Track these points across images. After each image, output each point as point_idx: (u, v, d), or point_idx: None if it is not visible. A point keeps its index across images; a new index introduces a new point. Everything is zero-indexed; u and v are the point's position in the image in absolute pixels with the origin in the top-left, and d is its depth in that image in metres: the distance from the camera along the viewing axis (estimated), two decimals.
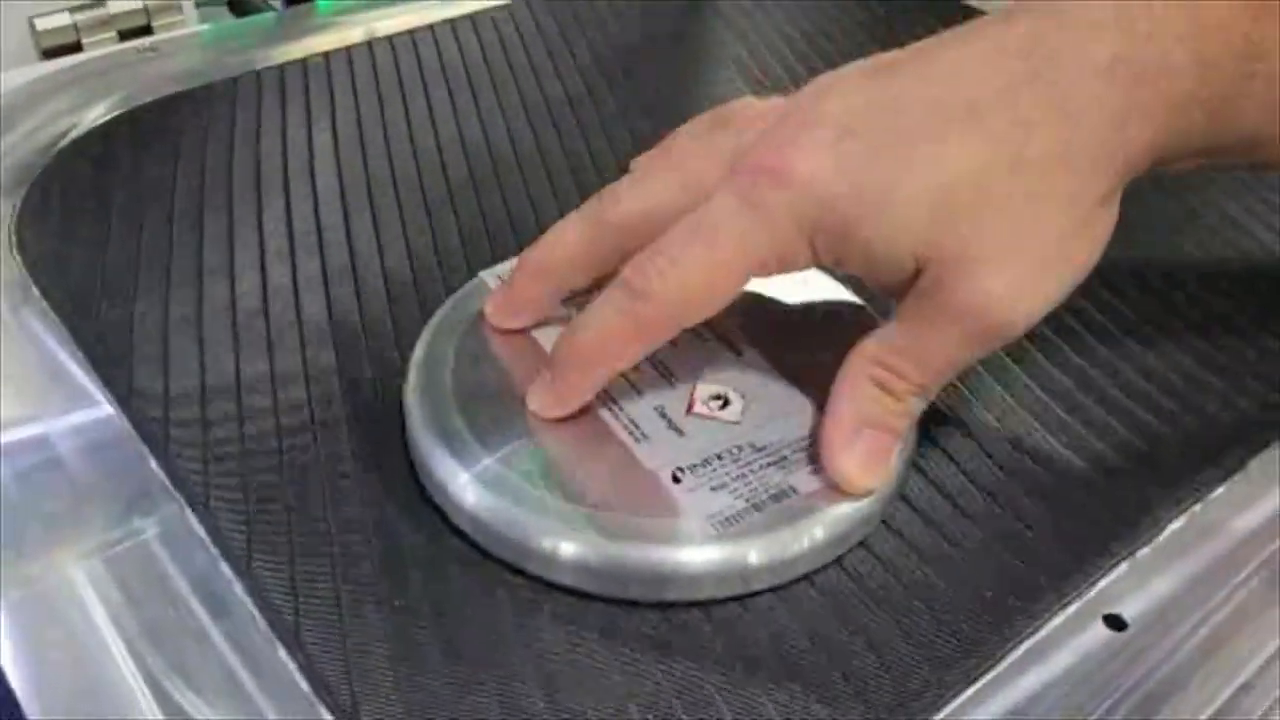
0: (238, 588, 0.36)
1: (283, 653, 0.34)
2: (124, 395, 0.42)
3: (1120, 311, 0.48)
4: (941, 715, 0.33)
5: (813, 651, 0.35)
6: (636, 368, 0.40)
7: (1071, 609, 0.36)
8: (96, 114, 0.58)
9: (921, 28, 0.38)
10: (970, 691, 0.34)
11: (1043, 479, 0.41)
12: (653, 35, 0.70)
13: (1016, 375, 0.45)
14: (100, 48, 0.68)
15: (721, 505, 0.36)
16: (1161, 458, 0.42)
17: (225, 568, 0.36)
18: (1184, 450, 0.42)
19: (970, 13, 0.38)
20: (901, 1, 0.72)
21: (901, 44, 0.37)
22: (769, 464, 0.38)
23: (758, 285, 0.46)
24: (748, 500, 0.37)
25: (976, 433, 0.43)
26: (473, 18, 0.70)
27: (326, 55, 0.65)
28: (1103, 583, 0.37)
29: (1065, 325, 0.47)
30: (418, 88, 0.63)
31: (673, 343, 0.38)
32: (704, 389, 0.40)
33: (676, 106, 0.62)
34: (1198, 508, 0.40)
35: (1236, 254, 0.52)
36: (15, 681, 0.33)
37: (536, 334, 0.43)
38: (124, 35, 0.71)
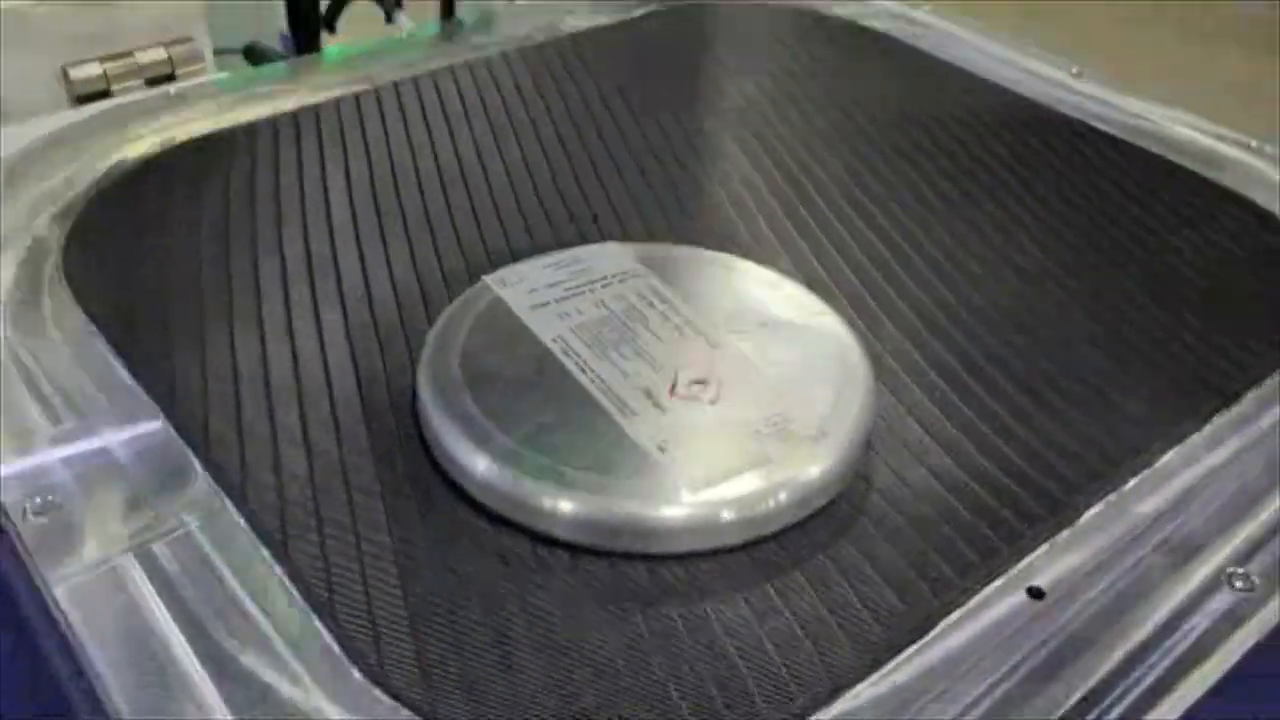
0: (277, 570, 0.41)
1: (317, 622, 0.39)
2: (168, 404, 0.47)
3: (1052, 321, 0.54)
4: (890, 665, 0.39)
5: (777, 606, 0.40)
6: (626, 356, 0.46)
7: (998, 582, 0.42)
8: (130, 155, 0.64)
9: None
10: (912, 649, 0.39)
11: (981, 469, 0.47)
12: (635, 79, 0.76)
13: (963, 379, 0.51)
14: (128, 95, 0.74)
15: (700, 471, 0.42)
16: (1083, 452, 0.47)
17: (265, 553, 0.41)
18: (1105, 446, 0.48)
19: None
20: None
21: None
22: (743, 437, 0.44)
23: (734, 287, 0.52)
24: (722, 467, 0.43)
25: (930, 429, 0.49)
26: (469, 63, 0.76)
27: (337, 100, 0.71)
28: (1024, 561, 0.42)
29: (1006, 336, 0.53)
30: (420, 127, 0.69)
31: (657, 335, 0.44)
32: (685, 374, 0.46)
33: (664, 140, 0.68)
34: (1113, 496, 0.45)
35: (1158, 258, 0.58)
36: (86, 648, 0.38)
37: (536, 329, 0.49)
38: (150, 83, 0.77)
